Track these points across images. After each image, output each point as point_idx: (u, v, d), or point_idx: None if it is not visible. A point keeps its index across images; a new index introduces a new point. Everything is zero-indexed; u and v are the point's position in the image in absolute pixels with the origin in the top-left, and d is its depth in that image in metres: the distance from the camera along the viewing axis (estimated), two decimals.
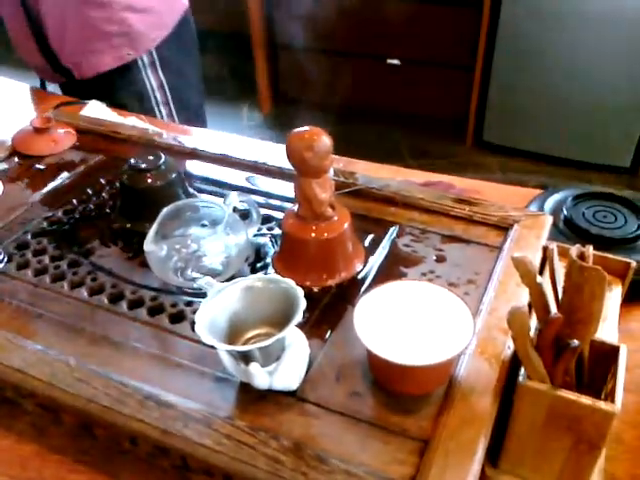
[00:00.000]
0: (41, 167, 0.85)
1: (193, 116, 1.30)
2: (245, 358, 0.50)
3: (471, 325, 0.50)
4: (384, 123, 2.86)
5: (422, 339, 0.51)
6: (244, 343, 0.53)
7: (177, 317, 0.61)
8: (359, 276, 0.65)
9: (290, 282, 0.52)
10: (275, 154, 0.83)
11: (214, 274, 0.64)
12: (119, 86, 1.19)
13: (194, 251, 0.64)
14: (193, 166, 0.84)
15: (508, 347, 0.55)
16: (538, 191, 0.91)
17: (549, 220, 0.70)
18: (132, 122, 1.06)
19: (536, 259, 0.65)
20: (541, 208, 0.81)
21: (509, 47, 2.46)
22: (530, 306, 0.49)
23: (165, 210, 0.64)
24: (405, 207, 0.74)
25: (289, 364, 0.51)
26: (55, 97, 1.23)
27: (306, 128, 0.60)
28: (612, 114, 2.43)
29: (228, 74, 3.29)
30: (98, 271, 0.67)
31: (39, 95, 1.27)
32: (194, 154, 0.85)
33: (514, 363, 0.54)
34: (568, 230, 0.78)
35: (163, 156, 0.72)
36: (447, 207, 0.73)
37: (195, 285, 0.55)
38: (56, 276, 0.67)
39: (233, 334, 0.53)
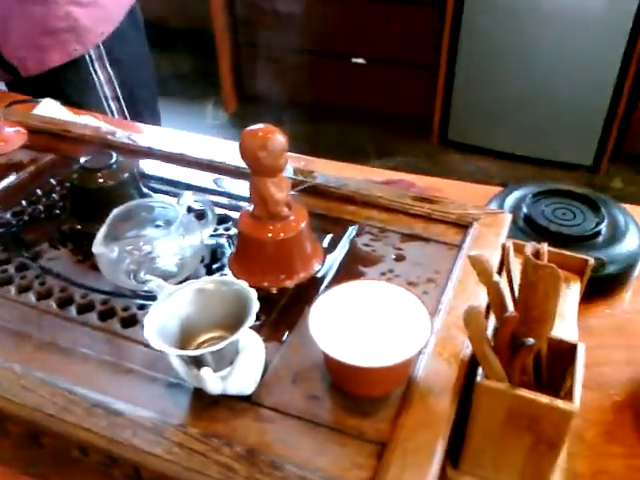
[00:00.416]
0: None
1: (145, 111, 1.28)
2: (197, 363, 0.48)
3: (428, 325, 0.49)
4: (350, 122, 2.85)
5: (379, 340, 0.50)
6: (197, 347, 0.51)
7: (129, 321, 0.59)
8: (317, 276, 0.64)
9: (243, 284, 0.51)
10: (233, 153, 0.81)
11: (168, 276, 0.62)
12: (67, 82, 1.16)
13: (147, 253, 0.62)
14: (148, 165, 0.81)
15: (467, 346, 0.55)
16: (498, 189, 0.91)
17: (508, 218, 0.70)
18: (86, 121, 1.03)
19: (495, 257, 0.64)
20: (501, 206, 0.81)
21: (472, 46, 2.48)
22: (489, 305, 0.49)
23: (116, 211, 0.62)
24: (364, 206, 0.73)
25: (243, 368, 0.49)
26: (7, 95, 1.19)
27: (260, 126, 0.58)
28: (574, 112, 2.46)
29: (192, 72, 3.25)
30: (47, 275, 0.65)
31: None
32: (149, 153, 0.83)
33: (473, 363, 0.53)
34: (528, 228, 0.78)
35: (115, 155, 0.70)
36: (407, 205, 0.72)
37: (146, 288, 0.53)
38: (3, 280, 0.64)
39: (185, 338, 0.51)
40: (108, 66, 1.18)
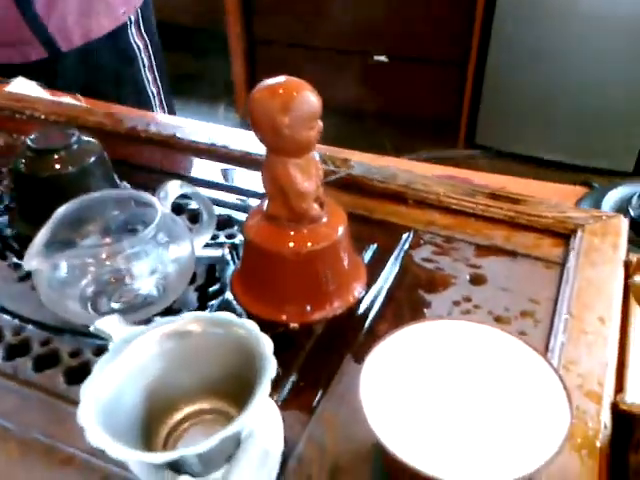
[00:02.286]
0: None
1: (169, 87, 1.11)
2: (173, 466, 0.28)
3: (566, 408, 0.29)
4: (370, 123, 2.66)
5: (472, 427, 0.29)
6: (173, 432, 0.31)
7: (77, 373, 0.39)
8: (360, 307, 0.44)
9: (249, 326, 0.31)
10: (241, 137, 0.61)
11: (143, 303, 0.42)
12: (108, 53, 0.98)
13: (112, 269, 0.42)
14: (128, 150, 0.61)
15: (604, 425, 0.34)
16: (579, 189, 0.70)
17: (625, 224, 0.50)
18: (65, 100, 0.84)
19: (616, 278, 0.44)
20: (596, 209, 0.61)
21: (504, 44, 2.28)
22: None
23: (64, 207, 0.42)
24: (420, 206, 0.53)
25: (247, 469, 0.29)
26: None
27: (281, 79, 0.39)
28: (613, 116, 2.26)
29: (202, 72, 3.08)
30: None
31: None
32: (131, 136, 0.63)
33: (619, 449, 0.33)
34: (635, 235, 0.58)
35: (76, 133, 0.50)
36: (480, 205, 0.52)
37: (91, 329, 0.33)
38: None
39: (156, 413, 0.31)
40: (144, 32, 1.01)
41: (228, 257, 0.49)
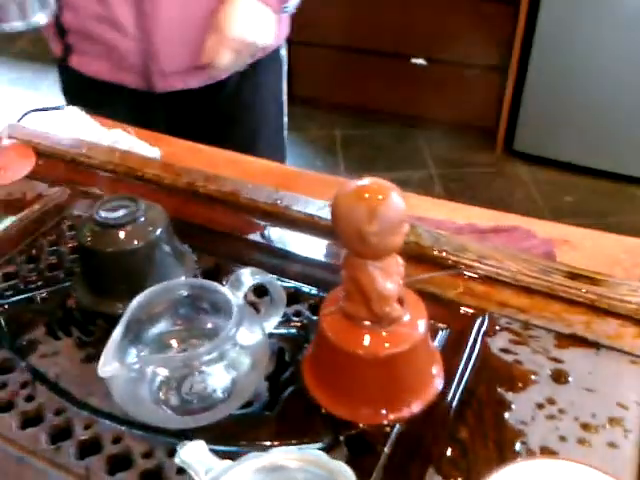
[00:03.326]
0: None
1: None
2: None
3: None
4: (405, 128, 2.62)
5: None
6: None
7: (153, 477, 0.38)
8: (438, 407, 0.42)
9: (346, 470, 0.29)
10: (298, 187, 0.60)
11: (216, 399, 0.41)
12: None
13: (183, 365, 0.41)
14: (187, 210, 0.60)
15: None
16: None
17: None
18: (115, 136, 0.83)
19: None
20: None
21: (548, 47, 2.22)
22: None
23: (136, 301, 0.41)
24: (493, 284, 0.51)
25: None
26: None
27: (365, 182, 0.37)
28: None
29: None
30: (38, 382, 0.44)
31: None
32: (190, 191, 0.62)
33: None
34: None
35: (141, 203, 0.49)
36: (557, 286, 0.50)
37: (176, 460, 0.32)
38: None
39: None
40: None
41: (297, 336, 0.47)
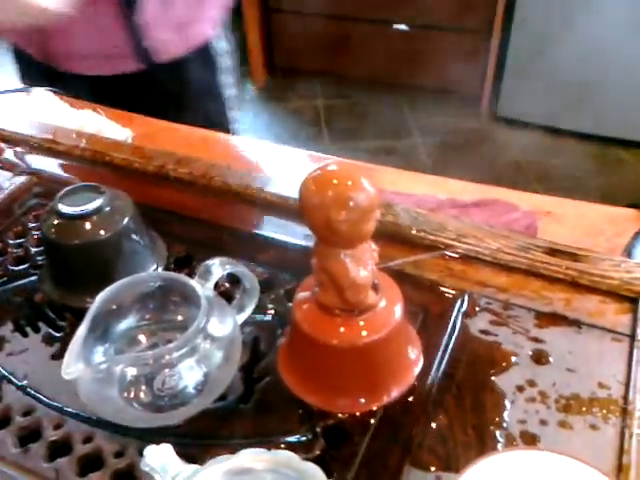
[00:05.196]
0: None
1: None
2: None
3: None
4: (390, 95, 2.59)
5: None
6: None
7: (124, 476, 0.37)
8: (417, 391, 0.41)
9: (314, 470, 0.28)
10: (279, 180, 0.57)
11: (189, 395, 0.40)
12: (199, 63, 0.90)
13: (159, 368, 0.39)
14: (157, 196, 0.58)
15: None
16: (635, 213, 0.66)
17: None
18: (85, 117, 0.80)
19: None
20: None
21: (530, 10, 2.18)
22: None
23: (101, 297, 0.39)
24: (471, 262, 0.50)
25: None
26: None
27: (333, 167, 0.35)
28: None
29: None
30: (4, 381, 0.43)
31: None
32: (161, 175, 0.60)
33: None
34: None
35: (106, 191, 0.48)
36: (537, 263, 0.48)
37: (142, 465, 0.31)
38: None
39: None
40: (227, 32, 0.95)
41: (271, 324, 0.46)
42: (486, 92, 2.46)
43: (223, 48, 0.95)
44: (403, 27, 2.50)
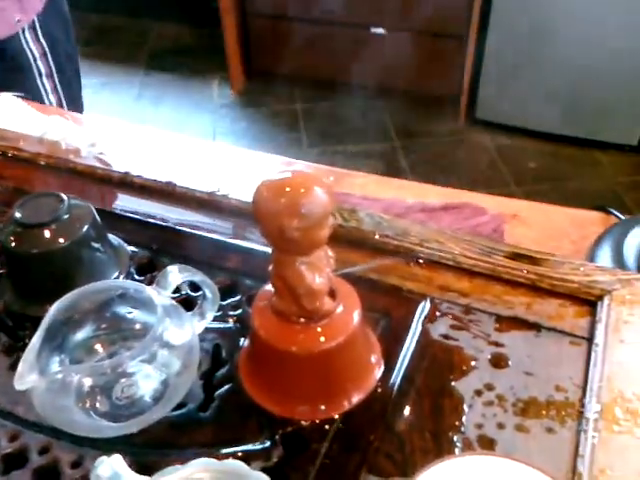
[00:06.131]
0: None
1: (77, 90, 1.09)
2: None
3: None
4: (369, 99, 2.60)
5: None
6: None
7: None
8: (377, 398, 0.41)
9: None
10: (247, 171, 0.57)
11: (147, 404, 0.40)
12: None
13: (115, 377, 0.39)
14: (121, 201, 0.58)
15: None
16: (601, 215, 0.67)
17: None
18: (52, 123, 0.79)
19: None
20: (619, 251, 0.57)
21: (506, 13, 2.21)
22: None
23: (55, 307, 0.39)
24: (434, 267, 0.50)
25: None
26: None
27: (287, 175, 0.35)
28: (616, 90, 2.21)
29: (193, 45, 2.98)
30: None
31: None
32: (125, 182, 0.60)
33: None
34: None
35: (66, 200, 0.47)
36: (499, 268, 0.49)
37: (92, 477, 0.31)
38: None
39: None
40: (42, 38, 0.97)
41: (233, 331, 0.46)
42: (464, 95, 2.48)
43: (32, 52, 0.98)
44: (381, 31, 2.51)
